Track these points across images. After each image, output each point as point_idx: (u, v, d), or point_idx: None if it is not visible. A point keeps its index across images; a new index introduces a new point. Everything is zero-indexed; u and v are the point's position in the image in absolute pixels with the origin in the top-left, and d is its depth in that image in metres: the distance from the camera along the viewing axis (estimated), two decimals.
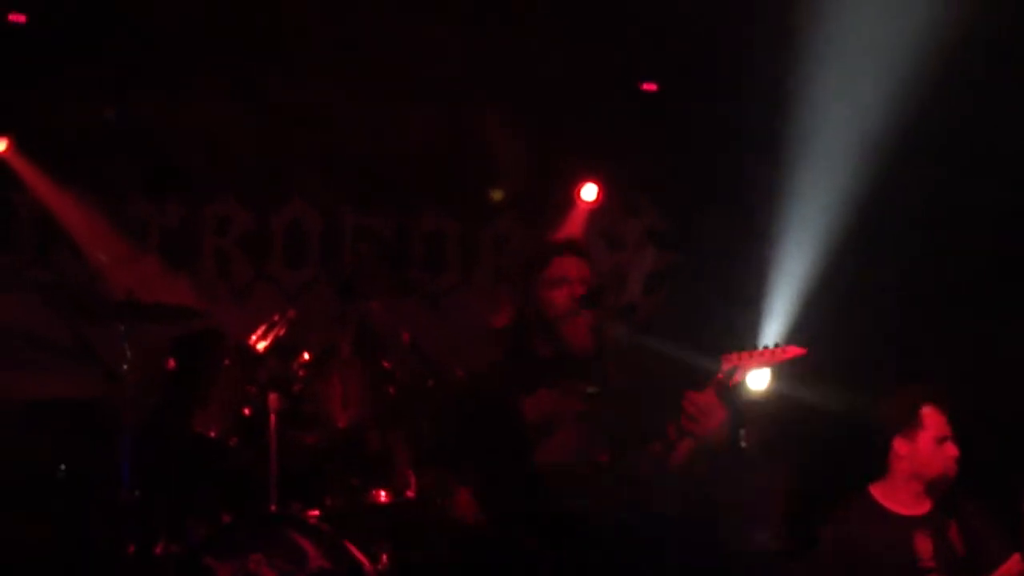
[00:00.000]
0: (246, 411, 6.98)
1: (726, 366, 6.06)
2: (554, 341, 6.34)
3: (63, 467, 7.44)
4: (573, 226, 9.60)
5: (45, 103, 8.88)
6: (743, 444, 6.16)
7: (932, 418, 6.71)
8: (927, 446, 6.68)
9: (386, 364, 7.25)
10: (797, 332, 8.48)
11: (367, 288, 7.85)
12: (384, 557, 6.62)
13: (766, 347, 6.13)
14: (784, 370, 8.36)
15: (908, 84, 8.10)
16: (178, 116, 9.16)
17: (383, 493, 6.91)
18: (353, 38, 9.18)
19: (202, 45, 9.05)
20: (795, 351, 6.02)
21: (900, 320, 9.14)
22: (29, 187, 8.90)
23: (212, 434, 6.97)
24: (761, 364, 6.06)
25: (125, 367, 7.01)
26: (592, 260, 6.66)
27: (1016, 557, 6.54)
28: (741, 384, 6.09)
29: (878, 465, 6.84)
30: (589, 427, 6.23)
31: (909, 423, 6.71)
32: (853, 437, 7.29)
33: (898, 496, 6.76)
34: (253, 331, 7.19)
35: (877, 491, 6.82)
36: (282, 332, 7.14)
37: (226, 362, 7.07)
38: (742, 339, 8.42)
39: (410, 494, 6.89)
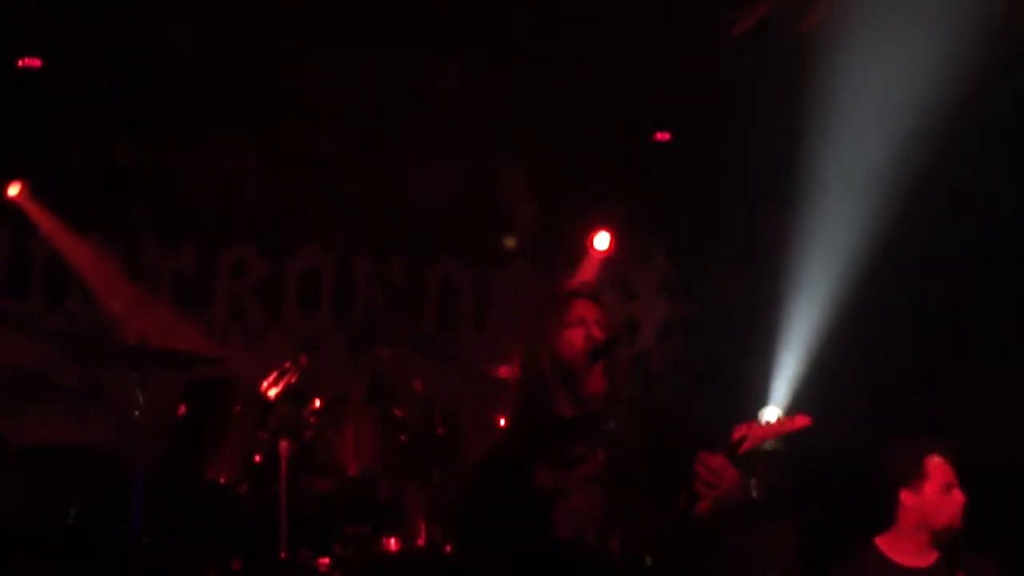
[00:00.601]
0: (257, 458, 6.99)
1: (736, 436, 6.04)
2: (570, 386, 6.31)
3: (73, 512, 7.42)
4: (586, 274, 9.60)
5: (59, 148, 8.93)
6: (753, 494, 6.13)
7: (938, 468, 6.68)
8: (933, 496, 6.65)
9: (398, 412, 7.27)
10: (807, 384, 8.49)
11: (380, 336, 7.87)
12: None
13: (777, 419, 6.12)
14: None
15: (919, 141, 8.11)
16: (193, 162, 9.21)
17: (393, 541, 6.91)
18: (368, 88, 9.22)
19: (218, 92, 9.09)
20: (803, 421, 6.01)
21: (910, 371, 9.13)
22: (43, 232, 8.92)
23: (223, 480, 6.99)
24: (770, 435, 6.04)
25: (137, 413, 7.01)
26: (606, 307, 6.64)
27: None
28: (751, 454, 6.08)
29: (884, 516, 6.82)
30: (602, 492, 6.20)
31: (915, 474, 6.68)
32: (860, 488, 7.27)
33: (904, 547, 6.73)
34: (265, 377, 7.21)
35: (883, 543, 6.78)
36: (294, 379, 7.16)
37: (238, 408, 7.09)
38: (753, 389, 8.46)
39: (420, 542, 6.89)
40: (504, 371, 6.90)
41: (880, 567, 6.70)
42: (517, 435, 6.39)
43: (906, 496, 6.68)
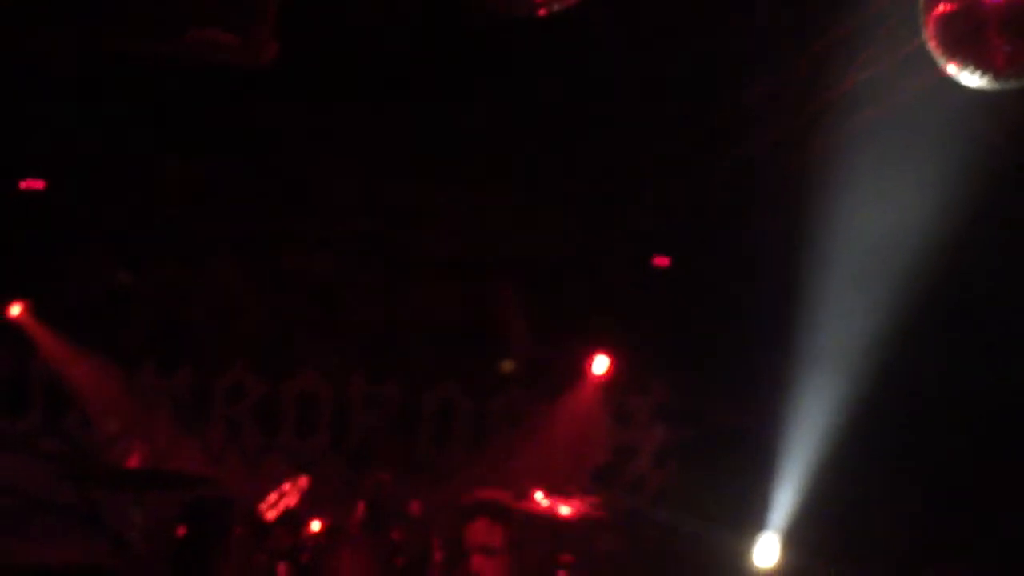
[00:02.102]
0: None
1: None
2: None
3: None
4: (583, 399, 9.62)
5: (60, 270, 8.97)
6: None
7: None
8: None
9: (395, 536, 7.24)
10: (806, 509, 8.49)
11: (377, 458, 7.87)
12: None
13: None
14: (792, 544, 8.36)
15: (916, 280, 8.18)
16: (191, 286, 9.25)
17: None
18: (364, 211, 9.30)
19: (215, 216, 9.17)
20: None
21: (908, 498, 9.12)
22: (43, 352, 8.94)
23: None
24: None
25: (134, 533, 6.98)
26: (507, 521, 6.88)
27: None
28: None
29: None
30: None
31: None
32: None
33: None
34: (263, 499, 7.20)
35: None
36: (293, 501, 7.14)
37: (236, 530, 7.07)
38: (751, 512, 8.46)
39: None
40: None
41: None
42: None
43: None
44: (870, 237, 8.15)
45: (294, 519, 7.16)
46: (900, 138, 7.34)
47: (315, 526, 7.22)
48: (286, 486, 7.22)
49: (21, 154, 8.73)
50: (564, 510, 7.42)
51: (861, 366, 8.53)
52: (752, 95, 7.62)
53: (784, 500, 8.51)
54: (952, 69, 4.76)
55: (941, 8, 4.69)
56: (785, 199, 8.27)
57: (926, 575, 6.89)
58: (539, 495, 7.44)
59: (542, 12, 4.71)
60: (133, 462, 7.38)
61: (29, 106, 8.19)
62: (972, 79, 4.72)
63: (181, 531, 7.13)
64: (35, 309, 8.92)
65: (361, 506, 7.39)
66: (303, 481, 7.23)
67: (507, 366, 9.71)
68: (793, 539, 8.43)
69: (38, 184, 8.85)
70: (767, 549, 8.35)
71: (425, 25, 7.24)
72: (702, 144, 8.32)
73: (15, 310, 8.90)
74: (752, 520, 8.50)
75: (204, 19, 5.84)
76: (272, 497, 7.19)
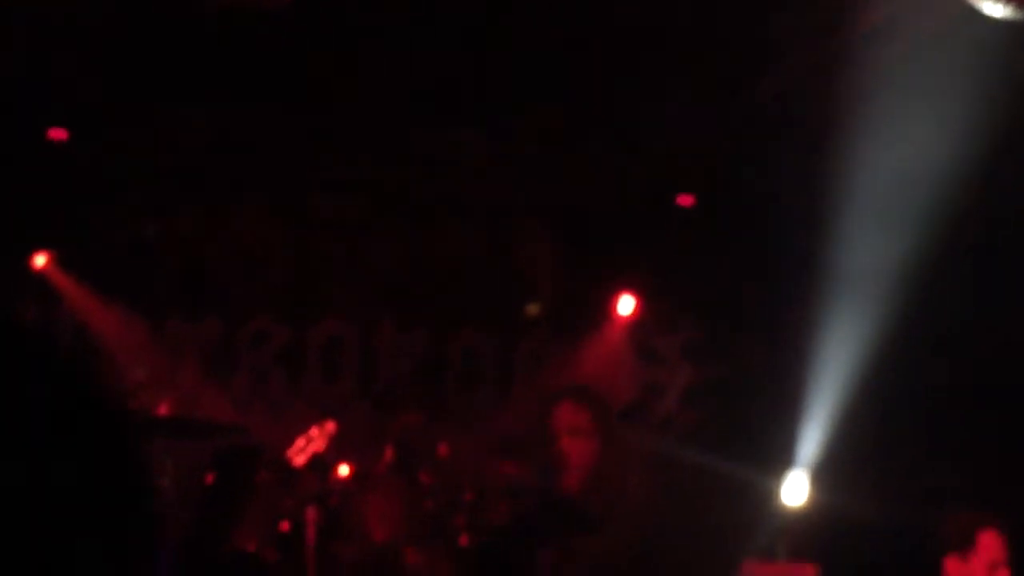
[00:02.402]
0: (284, 526, 6.98)
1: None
2: (564, 483, 6.44)
3: None
4: (609, 340, 9.61)
5: (85, 219, 8.98)
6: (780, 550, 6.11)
7: (989, 542, 6.59)
8: (979, 570, 6.56)
9: (424, 479, 7.25)
10: (835, 446, 8.47)
11: (404, 404, 7.88)
12: None
13: (786, 565, 6.16)
14: (821, 482, 8.35)
15: (943, 211, 8.13)
16: (217, 233, 9.25)
17: None
18: (390, 156, 9.29)
19: (241, 163, 9.16)
20: (810, 572, 6.03)
21: (938, 435, 9.10)
22: (68, 303, 8.96)
23: (251, 548, 6.98)
24: None
25: (165, 482, 6.99)
26: (593, 404, 6.80)
27: None
28: None
29: None
30: None
31: (964, 544, 6.58)
32: (896, 551, 7.22)
33: None
34: (291, 445, 7.21)
35: None
36: (320, 446, 7.15)
37: (264, 476, 7.09)
38: (779, 450, 8.45)
39: None
40: (510, 467, 6.97)
41: None
42: (520, 518, 6.48)
43: (951, 564, 6.59)
44: (896, 171, 8.11)
45: (322, 464, 7.16)
46: (925, 71, 7.29)
47: (343, 471, 7.24)
48: (313, 431, 7.22)
49: (46, 104, 8.73)
50: None
51: (889, 302, 8.50)
52: (777, 29, 7.57)
53: (812, 438, 8.50)
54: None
55: None
56: (810, 134, 8.23)
57: (957, 513, 6.85)
58: None
59: None
60: (162, 410, 7.39)
61: (53, 56, 8.20)
62: (996, 9, 4.68)
63: (210, 478, 7.15)
64: (60, 260, 8.93)
65: (389, 450, 7.41)
66: (330, 426, 7.23)
67: (533, 309, 9.71)
68: (822, 477, 8.43)
69: (61, 134, 8.84)
70: (796, 487, 8.34)
71: None
72: (726, 81, 8.28)
73: (40, 260, 8.91)
74: (781, 458, 8.50)
75: None
76: (299, 443, 7.20)
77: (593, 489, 6.52)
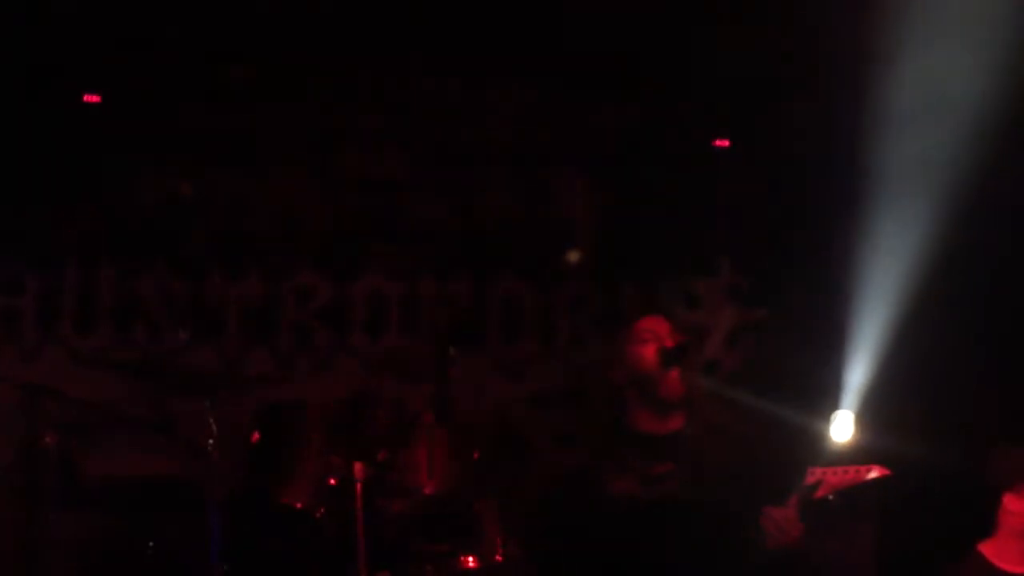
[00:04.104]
0: (332, 481, 6.99)
1: (811, 480, 6.00)
2: (649, 397, 6.30)
3: (152, 544, 7.44)
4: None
5: (122, 179, 8.99)
6: (830, 497, 6.06)
7: None
8: None
9: (469, 429, 7.27)
10: (878, 388, 8.44)
11: (448, 355, 7.87)
12: None
13: (852, 466, 6.06)
14: (868, 421, 8.31)
15: (987, 139, 8.06)
16: (255, 190, 9.25)
17: (471, 559, 6.90)
18: (426, 106, 9.26)
19: (277, 120, 9.15)
20: (880, 471, 5.94)
21: (983, 373, 9.05)
22: (108, 264, 8.99)
23: (299, 505, 7.00)
24: (844, 483, 5.98)
25: (210, 441, 7.00)
26: (673, 320, 6.63)
27: None
28: (823, 501, 6.02)
29: (986, 522, 6.65)
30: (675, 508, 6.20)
31: (1021, 479, 6.52)
32: (950, 492, 7.18)
33: (1009, 554, 6.55)
34: (336, 401, 7.22)
35: (987, 549, 6.60)
36: (366, 401, 7.17)
37: (310, 433, 7.10)
38: (826, 394, 8.41)
39: (498, 558, 6.87)
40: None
41: (985, 574, 6.56)
42: (594, 450, 6.40)
43: (1010, 501, 6.54)
44: (938, 100, 8.05)
45: (368, 419, 7.17)
46: (957, 7, 7.24)
47: (389, 424, 7.24)
48: (360, 386, 7.24)
49: (80, 67, 8.74)
50: None
51: (931, 241, 8.44)
52: None
53: (858, 377, 8.47)
54: None
55: None
56: (846, 72, 8.17)
57: (1002, 452, 6.80)
58: None
59: None
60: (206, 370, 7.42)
61: (85, 18, 8.21)
62: None
63: (255, 437, 7.16)
64: (97, 220, 8.96)
65: (433, 401, 7.41)
66: (377, 381, 7.25)
67: (573, 256, 9.68)
68: (868, 416, 8.39)
69: (94, 98, 8.85)
70: (842, 426, 8.31)
71: None
72: (753, 22, 8.23)
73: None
74: (827, 398, 8.47)
75: None
76: (345, 398, 7.21)
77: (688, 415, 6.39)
